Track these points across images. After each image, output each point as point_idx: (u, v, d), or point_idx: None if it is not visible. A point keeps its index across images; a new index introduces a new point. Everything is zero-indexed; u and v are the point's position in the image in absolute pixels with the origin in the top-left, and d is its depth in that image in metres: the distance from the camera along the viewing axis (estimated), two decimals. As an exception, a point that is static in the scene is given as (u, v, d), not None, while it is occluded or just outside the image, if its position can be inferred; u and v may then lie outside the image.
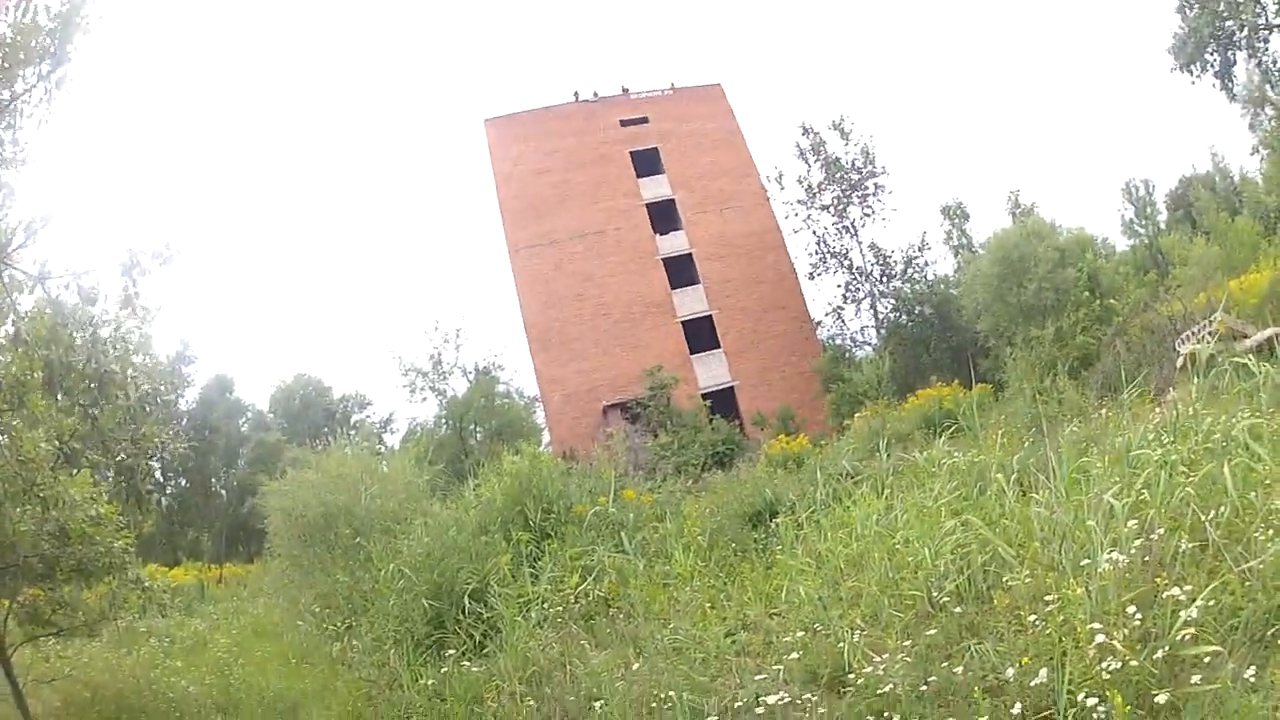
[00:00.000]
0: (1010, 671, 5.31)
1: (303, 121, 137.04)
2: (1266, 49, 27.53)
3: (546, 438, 45.87)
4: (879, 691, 5.96)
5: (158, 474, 37.88)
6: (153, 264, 8.08)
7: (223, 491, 47.92)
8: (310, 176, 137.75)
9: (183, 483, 46.11)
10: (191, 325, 49.35)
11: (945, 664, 5.96)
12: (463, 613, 11.85)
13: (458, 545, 13.19)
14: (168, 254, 8.03)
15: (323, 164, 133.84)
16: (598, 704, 8.18)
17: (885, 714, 5.79)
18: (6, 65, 7.82)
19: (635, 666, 8.47)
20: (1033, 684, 5.04)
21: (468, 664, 10.28)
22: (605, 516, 14.12)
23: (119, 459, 10.44)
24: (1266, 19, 26.41)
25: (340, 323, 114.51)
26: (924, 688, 5.76)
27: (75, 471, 10.16)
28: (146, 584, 11.43)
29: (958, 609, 6.72)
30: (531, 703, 8.90)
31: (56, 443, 9.64)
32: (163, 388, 10.99)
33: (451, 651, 10.51)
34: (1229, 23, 26.82)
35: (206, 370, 50.04)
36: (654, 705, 7.65)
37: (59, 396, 9.06)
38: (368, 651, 11.84)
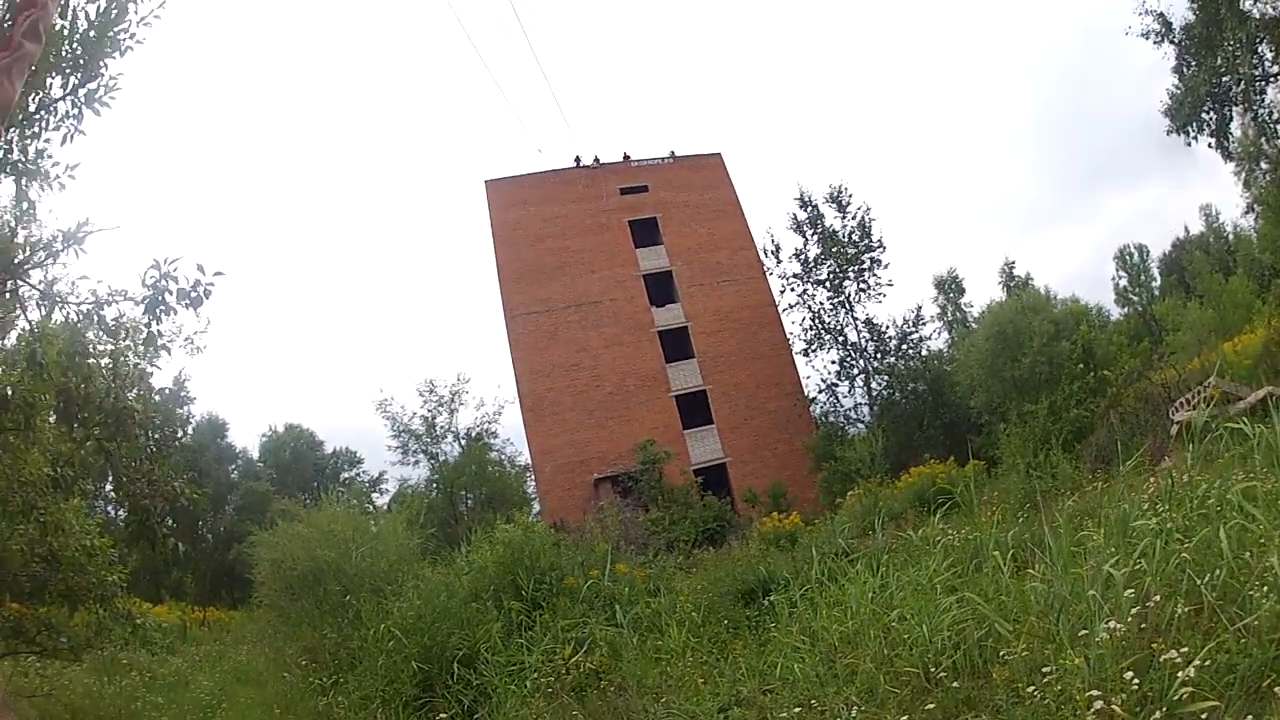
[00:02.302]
0: (1008, 743, 5.28)
1: (312, 171, 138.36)
2: (1262, 100, 27.82)
3: (537, 507, 45.71)
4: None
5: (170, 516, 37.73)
6: (180, 304, 7.98)
7: (209, 535, 47.65)
8: (316, 227, 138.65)
9: (172, 523, 45.72)
10: (188, 362, 49.20)
11: (944, 739, 5.92)
12: (452, 678, 11.82)
13: (449, 610, 13.21)
14: (196, 295, 7.92)
15: (329, 216, 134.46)
16: (592, 778, 8.26)
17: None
18: (33, 69, 7.84)
19: None
20: (1032, 753, 5.02)
21: (458, 729, 10.25)
22: (598, 589, 14.11)
23: (135, 499, 10.38)
24: (1264, 69, 26.76)
25: (335, 374, 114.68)
26: (924, 761, 5.73)
27: (68, 499, 10.14)
28: (138, 620, 11.39)
29: (954, 684, 6.68)
30: None
31: (55, 469, 9.62)
32: (179, 432, 11.01)
33: (442, 716, 10.46)
34: (1225, 78, 27.16)
35: (200, 409, 50.17)
36: (649, 781, 7.67)
37: (74, 426, 9.01)
38: (354, 708, 11.77)
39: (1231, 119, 28.73)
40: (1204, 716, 4.53)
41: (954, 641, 7.34)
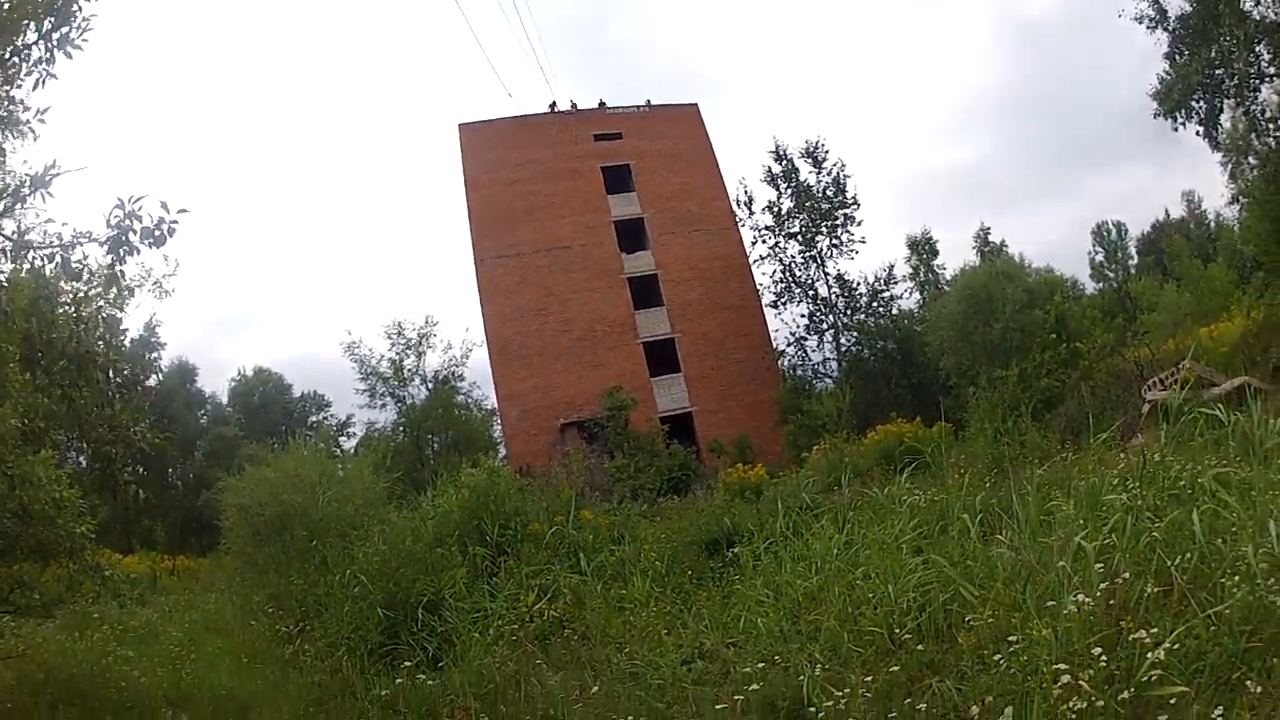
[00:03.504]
0: (975, 710, 5.31)
1: (283, 113, 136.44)
2: (1255, 98, 27.79)
3: (503, 452, 45.68)
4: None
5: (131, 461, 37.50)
6: (143, 243, 7.80)
7: (179, 483, 47.49)
8: (287, 165, 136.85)
9: (141, 470, 45.41)
10: (158, 306, 48.46)
11: (907, 700, 5.95)
12: (417, 624, 11.84)
13: (414, 556, 13.19)
14: (160, 233, 7.73)
15: (300, 155, 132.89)
16: (554, 725, 8.27)
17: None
18: (14, 17, 7.62)
19: (594, 690, 8.50)
20: (998, 722, 5.04)
21: (422, 677, 10.25)
22: (563, 536, 14.16)
23: (97, 445, 10.22)
24: (1259, 68, 26.70)
25: (306, 316, 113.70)
26: (885, 724, 5.75)
27: (38, 450, 9.93)
28: (106, 572, 11.23)
29: (919, 646, 6.70)
30: (485, 718, 8.90)
31: (24, 420, 9.40)
32: (140, 373, 10.80)
33: (407, 663, 10.45)
34: (1219, 70, 27.07)
35: (170, 354, 49.28)
36: (612, 730, 7.76)
37: (37, 373, 8.82)
38: (320, 656, 11.74)
39: (1221, 110, 28.61)
40: (1172, 702, 4.56)
41: (919, 604, 7.40)
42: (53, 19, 7.83)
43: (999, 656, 5.70)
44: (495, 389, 47.44)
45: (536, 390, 45.98)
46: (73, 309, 8.72)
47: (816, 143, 49.30)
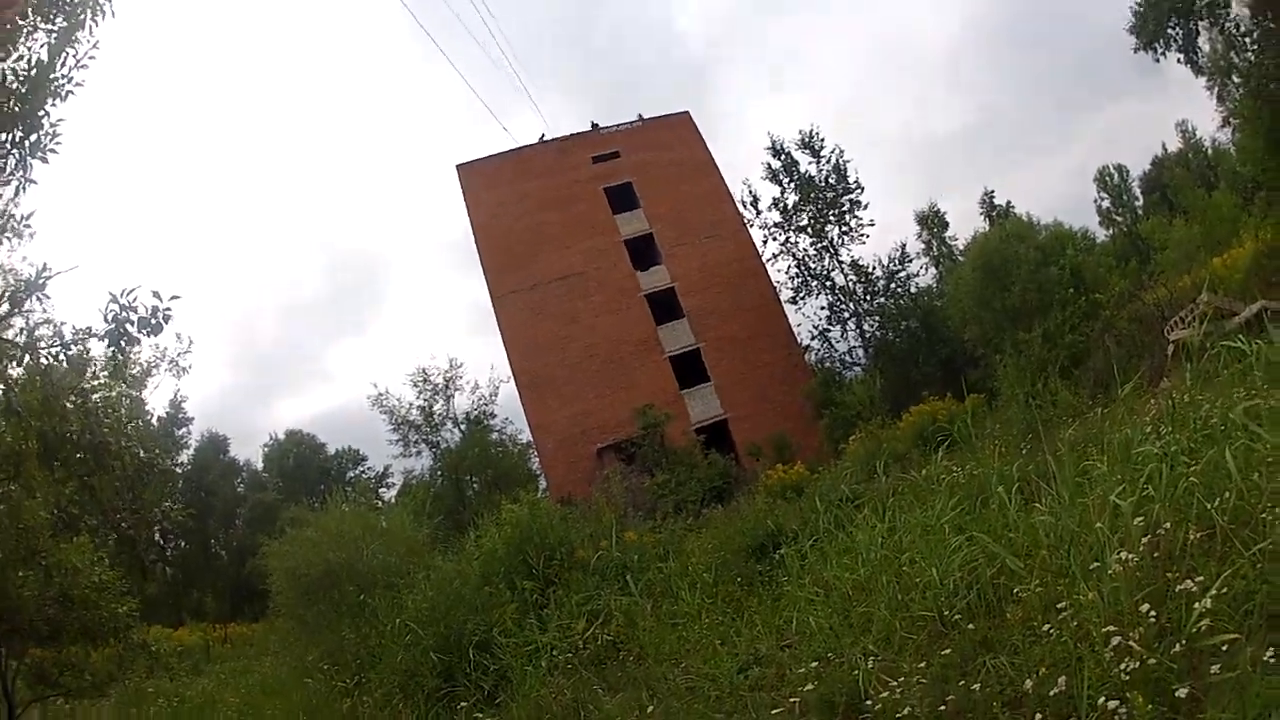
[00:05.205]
0: (1028, 683, 5.24)
1: (290, 160, 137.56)
2: (1228, 14, 27.49)
3: (543, 484, 45.67)
4: (897, 716, 5.88)
5: (159, 539, 37.78)
6: (140, 332, 7.96)
7: (223, 552, 47.86)
8: (292, 224, 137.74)
9: (183, 544, 45.84)
10: (182, 384, 49.18)
11: (962, 682, 5.88)
12: (470, 664, 11.83)
13: (462, 597, 13.23)
14: (155, 322, 7.89)
15: (301, 216, 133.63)
16: (615, 749, 8.24)
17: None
18: None
19: (650, 709, 8.45)
20: (1051, 693, 4.96)
21: (480, 716, 10.26)
22: (608, 560, 14.12)
23: (121, 528, 10.33)
24: None
25: (329, 375, 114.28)
26: (942, 708, 5.70)
27: (74, 537, 10.06)
28: (152, 648, 11.35)
29: (970, 625, 6.64)
30: None
31: (55, 510, 9.55)
32: (158, 453, 10.91)
33: (464, 704, 10.47)
34: (1189, -10, 26.82)
35: (200, 428, 50.08)
36: (669, 749, 7.69)
37: (55, 465, 8.96)
38: (378, 706, 11.78)
39: (1198, 33, 28.45)
40: (1224, 648, 4.46)
41: (966, 582, 7.31)
42: (20, 129, 7.94)
43: (1049, 626, 5.64)
44: (528, 422, 47.37)
45: (569, 419, 45.89)
46: (80, 401, 8.84)
47: (811, 132, 49.51)
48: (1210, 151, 61.73)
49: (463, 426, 44.85)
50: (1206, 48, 30.61)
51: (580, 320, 47.95)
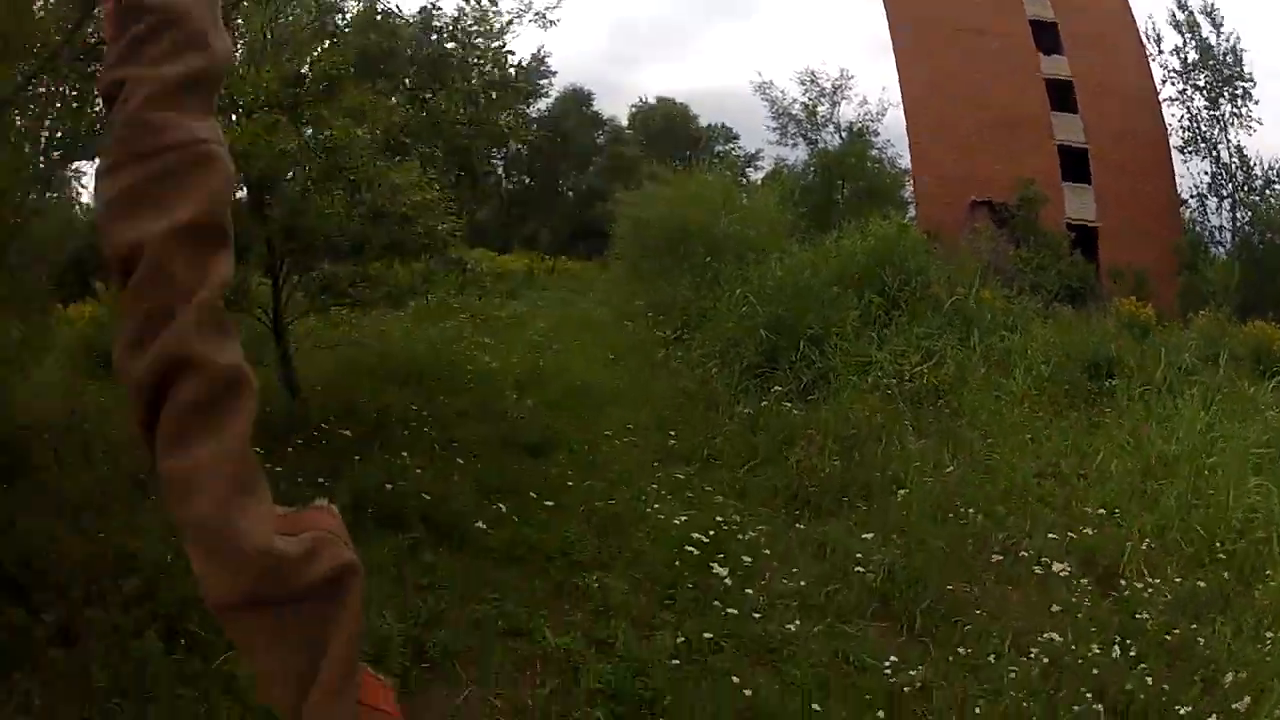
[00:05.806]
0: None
1: None
2: None
3: (912, 213, 44.61)
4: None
5: (500, 171, 38.77)
6: None
7: (570, 193, 48.78)
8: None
9: (527, 180, 47.04)
10: (548, 39, 47.92)
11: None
12: (797, 354, 11.71)
13: (810, 289, 12.99)
14: None
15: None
16: (901, 491, 8.18)
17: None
18: None
19: (949, 469, 8.57)
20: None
21: (788, 405, 10.15)
22: (960, 307, 13.59)
23: (457, 141, 10.23)
24: None
25: (704, 52, 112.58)
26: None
27: (400, 159, 9.68)
28: (469, 266, 10.99)
29: (1224, 574, 6.57)
30: (837, 462, 8.69)
31: (379, 133, 9.22)
32: (512, 72, 10.70)
33: (776, 388, 10.34)
34: None
35: (563, 83, 49.34)
36: (950, 515, 7.69)
37: (375, 82, 8.82)
38: (692, 365, 11.80)
39: None
40: None
41: (1240, 528, 7.27)
42: None
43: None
44: (910, 151, 46.39)
45: (951, 163, 44.36)
46: (418, 17, 8.57)
47: (1212, 5, 45.55)
48: None
49: (844, 134, 43.83)
50: None
51: (974, 77, 45.49)
